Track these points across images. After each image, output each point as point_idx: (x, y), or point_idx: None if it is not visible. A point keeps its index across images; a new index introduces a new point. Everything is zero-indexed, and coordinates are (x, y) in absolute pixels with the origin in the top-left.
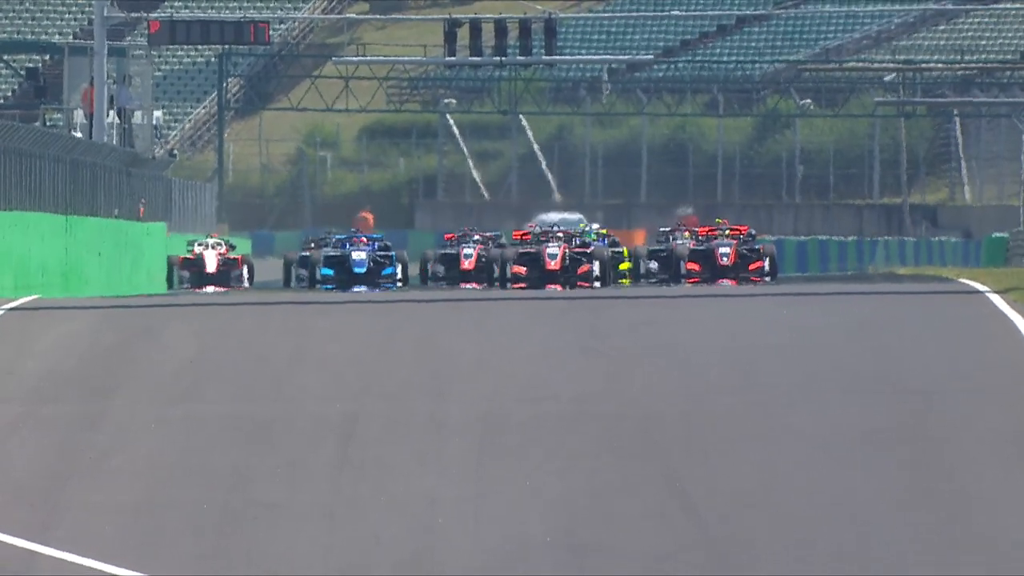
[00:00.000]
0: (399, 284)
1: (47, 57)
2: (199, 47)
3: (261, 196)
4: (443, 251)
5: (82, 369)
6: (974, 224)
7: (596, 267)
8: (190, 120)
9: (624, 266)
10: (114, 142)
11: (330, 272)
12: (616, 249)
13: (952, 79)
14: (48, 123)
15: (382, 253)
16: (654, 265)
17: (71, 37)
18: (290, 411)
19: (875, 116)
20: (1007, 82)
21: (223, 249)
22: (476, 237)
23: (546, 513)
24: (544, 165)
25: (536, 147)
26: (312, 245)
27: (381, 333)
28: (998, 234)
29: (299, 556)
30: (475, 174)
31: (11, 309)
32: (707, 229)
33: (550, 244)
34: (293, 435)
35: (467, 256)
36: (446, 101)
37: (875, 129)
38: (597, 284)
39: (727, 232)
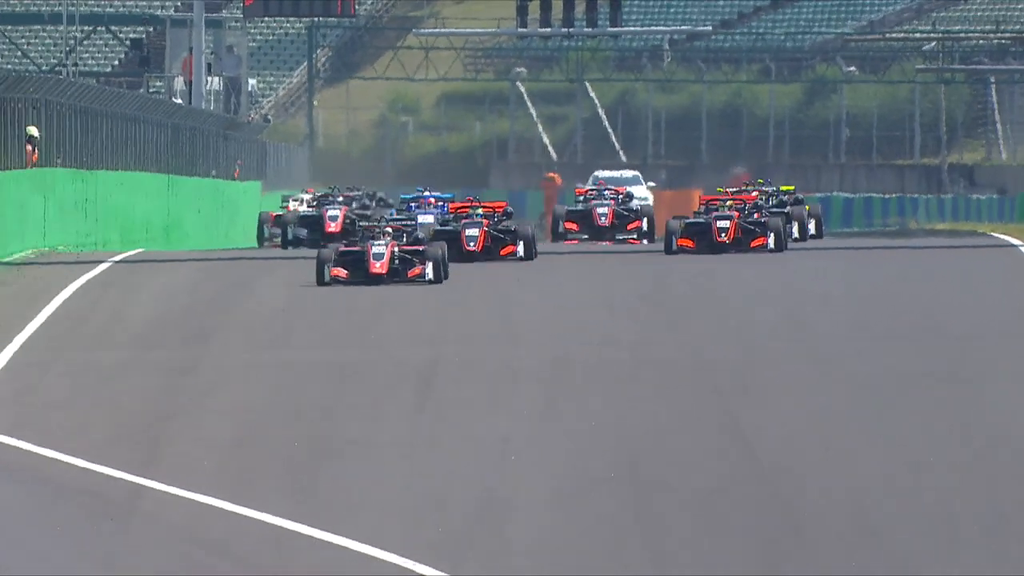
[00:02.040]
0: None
1: (150, 28)
2: (290, 19)
3: (348, 158)
4: (574, 208)
5: (182, 317)
6: (1009, 182)
7: (644, 224)
8: (283, 88)
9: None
10: (213, 108)
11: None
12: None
13: (988, 48)
14: (151, 90)
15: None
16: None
17: (172, 10)
18: (373, 356)
19: (915, 82)
20: None
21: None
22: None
23: (609, 451)
24: (608, 128)
25: (601, 111)
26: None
27: (457, 285)
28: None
29: (382, 489)
30: (544, 137)
31: (118, 262)
32: (709, 197)
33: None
34: (376, 378)
35: (602, 216)
36: (517, 70)
37: (915, 95)
38: (644, 241)
39: (728, 204)
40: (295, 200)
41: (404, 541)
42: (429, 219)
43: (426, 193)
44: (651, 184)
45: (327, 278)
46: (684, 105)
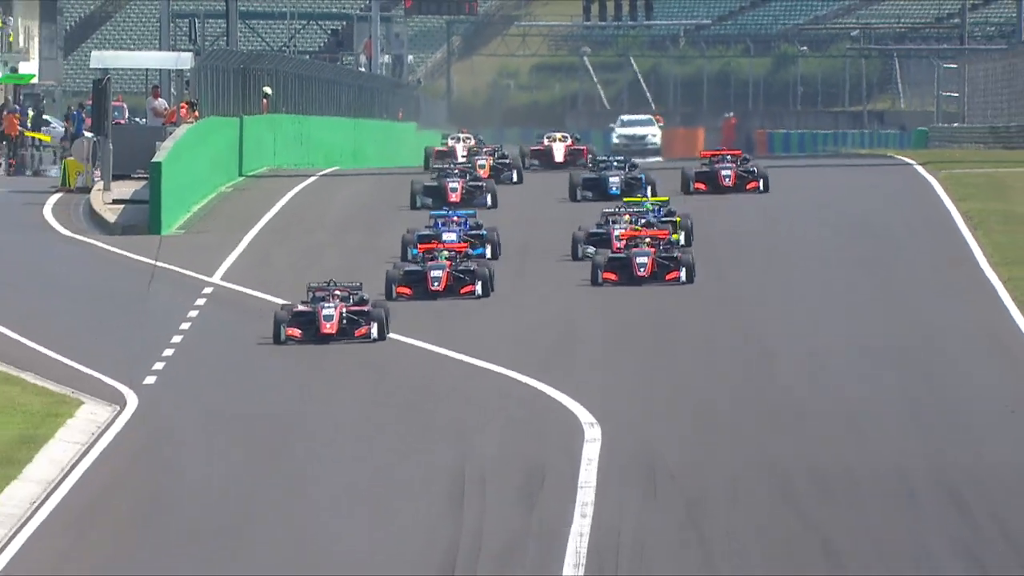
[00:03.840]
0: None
1: (344, 22)
2: (435, 15)
3: (472, 107)
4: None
5: (365, 212)
6: (906, 122)
7: (649, 191)
8: (430, 61)
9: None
10: (384, 74)
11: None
12: (671, 219)
13: (893, 34)
14: (343, 63)
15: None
16: (591, 250)
17: (359, 9)
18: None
19: (846, 57)
20: (927, 35)
21: (472, 142)
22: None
23: (645, 307)
24: (644, 87)
25: (640, 77)
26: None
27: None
28: (921, 128)
29: (488, 334)
30: (602, 94)
31: (323, 175)
32: (712, 152)
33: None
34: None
35: (641, 266)
36: (583, 49)
37: (846, 65)
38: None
39: (728, 158)
40: (452, 138)
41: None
42: (452, 236)
43: (450, 212)
44: (661, 124)
45: (283, 337)
46: (692, 73)
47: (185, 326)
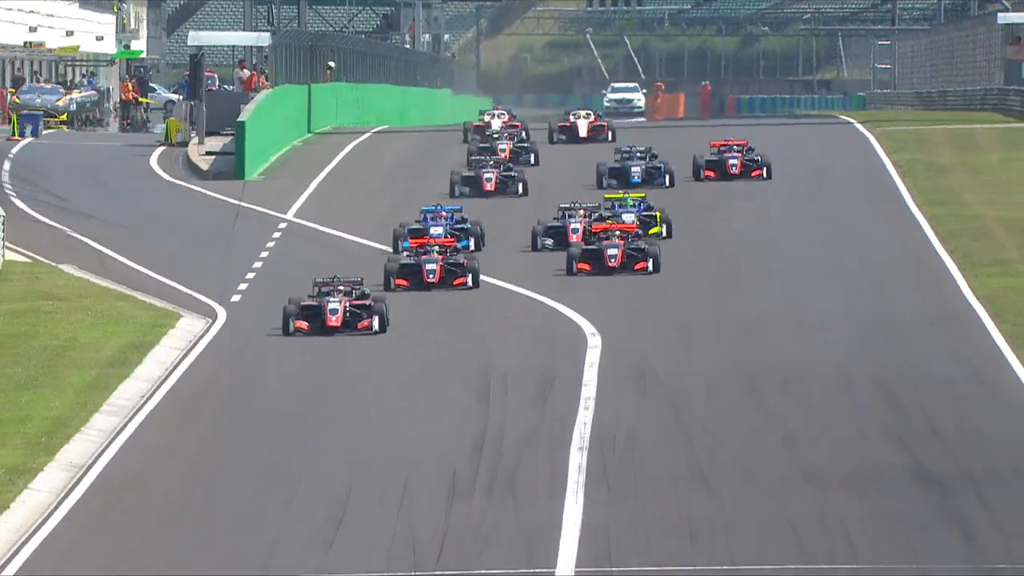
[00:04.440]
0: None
1: (392, 7)
2: (467, 2)
3: (496, 76)
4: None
5: (409, 162)
6: (848, 90)
7: (667, 179)
8: (462, 39)
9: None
10: (425, 50)
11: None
12: (649, 213)
13: (838, 16)
14: (393, 41)
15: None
16: (549, 242)
17: None
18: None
19: (799, 35)
20: (865, 17)
21: (506, 117)
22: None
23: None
24: (636, 61)
25: (632, 52)
26: None
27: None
28: (860, 93)
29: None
30: (602, 66)
31: (376, 132)
32: (721, 143)
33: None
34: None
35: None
36: (587, 29)
37: (800, 42)
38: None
39: (735, 148)
40: (488, 114)
41: None
42: (440, 230)
43: (437, 207)
44: (644, 91)
45: (291, 329)
46: (675, 48)
47: (264, 254)
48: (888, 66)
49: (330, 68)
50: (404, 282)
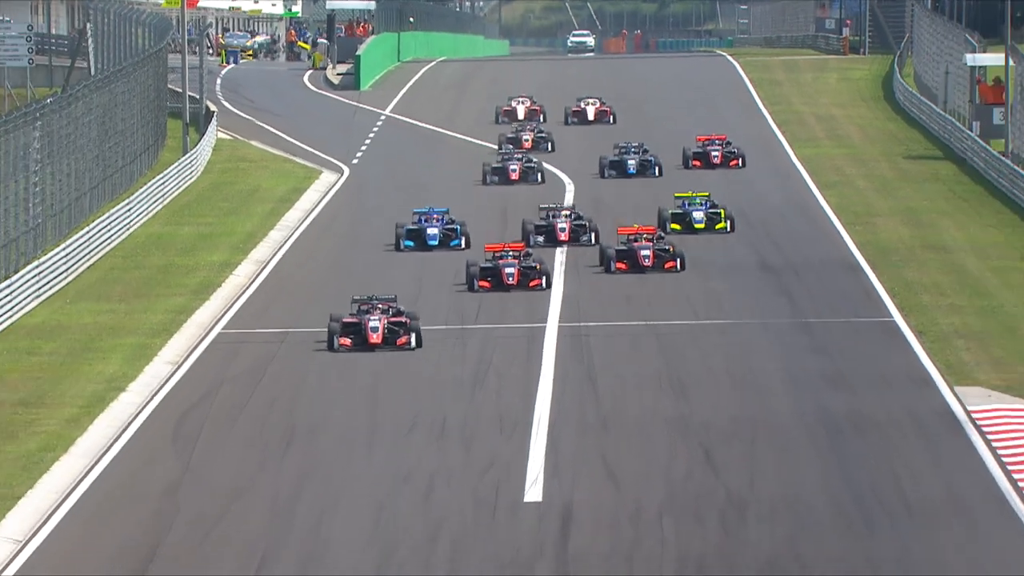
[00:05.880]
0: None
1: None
2: None
3: (511, 27)
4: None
5: (460, 80)
6: (722, 35)
7: (657, 170)
8: (490, 5)
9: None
10: (471, 11)
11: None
12: (714, 210)
13: None
14: (448, 5)
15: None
16: (540, 239)
17: None
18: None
19: (695, 1)
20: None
21: (529, 103)
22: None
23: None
24: (596, 21)
25: (592, 11)
26: None
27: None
28: (729, 38)
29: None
30: (573, 20)
31: (439, 61)
32: (704, 137)
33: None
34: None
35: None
36: None
37: (695, 6)
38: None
39: (716, 142)
40: (515, 100)
41: None
42: (434, 231)
43: (428, 209)
44: (594, 36)
45: (336, 346)
46: (619, 10)
47: (372, 135)
48: (746, 21)
49: (411, 22)
50: (487, 284)
